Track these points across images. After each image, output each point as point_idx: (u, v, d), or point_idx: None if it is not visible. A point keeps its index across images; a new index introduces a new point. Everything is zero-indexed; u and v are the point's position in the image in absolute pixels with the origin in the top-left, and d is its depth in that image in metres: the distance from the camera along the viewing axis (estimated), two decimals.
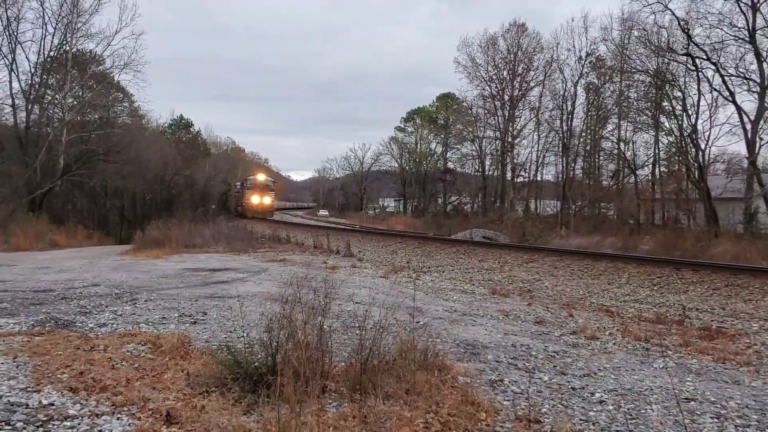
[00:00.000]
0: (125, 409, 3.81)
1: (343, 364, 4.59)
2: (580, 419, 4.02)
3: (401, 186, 75.60)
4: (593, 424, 3.94)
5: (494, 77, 50.08)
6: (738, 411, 4.32)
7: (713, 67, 32.41)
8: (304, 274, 9.34)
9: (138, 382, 4.34)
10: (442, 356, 5.03)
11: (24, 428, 3.40)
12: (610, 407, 4.31)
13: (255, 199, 57.20)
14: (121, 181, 40.91)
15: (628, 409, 4.27)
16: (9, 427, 3.39)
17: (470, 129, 56.15)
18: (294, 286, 5.54)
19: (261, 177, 61.74)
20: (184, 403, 3.96)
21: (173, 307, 7.60)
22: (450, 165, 62.83)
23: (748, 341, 7.16)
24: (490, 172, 54.20)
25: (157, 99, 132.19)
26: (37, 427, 3.43)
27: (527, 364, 5.46)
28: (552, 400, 4.42)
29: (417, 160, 69.50)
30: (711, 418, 4.14)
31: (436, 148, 67.61)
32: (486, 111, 51.84)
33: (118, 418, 3.65)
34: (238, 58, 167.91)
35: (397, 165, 76.03)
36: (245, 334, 5.69)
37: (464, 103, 56.26)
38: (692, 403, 4.48)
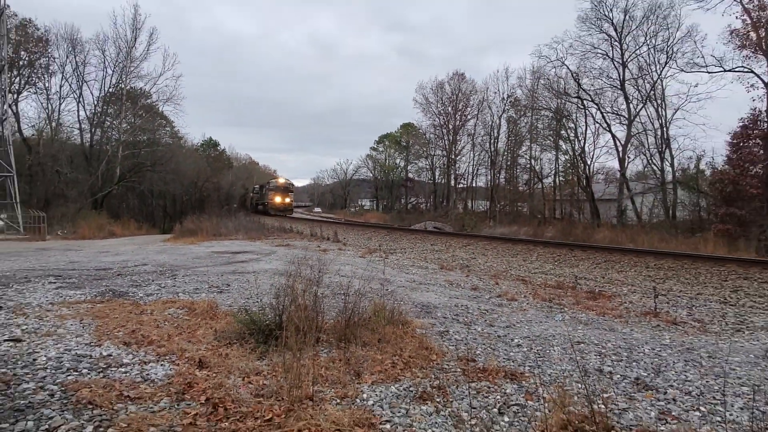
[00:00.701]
0: (167, 357, 3.74)
1: (332, 321, 4.56)
2: (504, 358, 4.07)
3: (375, 190, 75.83)
4: (512, 361, 4.00)
5: (442, 112, 50.54)
6: (613, 349, 4.41)
7: (596, 106, 33.78)
8: (303, 255, 9.27)
9: (177, 337, 4.26)
10: (404, 314, 5.04)
11: (88, 373, 3.30)
12: (525, 349, 4.37)
13: (278, 199, 47.04)
14: (164, 185, 40.12)
15: (537, 350, 4.33)
16: (76, 373, 3.29)
17: (424, 149, 56.79)
18: (295, 264, 5.50)
19: (281, 180, 50.66)
20: (212, 352, 3.89)
21: (204, 280, 7.46)
22: (410, 175, 62.93)
23: (620, 300, 7.32)
24: (439, 180, 54.52)
25: (192, 124, 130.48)
26: (99, 372, 3.34)
27: (466, 319, 5.50)
28: (483, 345, 4.46)
29: (386, 171, 69.48)
30: (595, 354, 4.23)
31: (399, 162, 67.75)
32: (436, 136, 52.45)
33: (161, 364, 3.57)
34: (254, 95, 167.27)
35: (371, 175, 76.12)
36: (259, 300, 5.61)
37: (420, 130, 56.78)
38: (582, 344, 4.55)
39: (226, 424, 2.68)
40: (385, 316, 4.63)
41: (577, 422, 2.72)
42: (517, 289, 7.94)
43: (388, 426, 2.74)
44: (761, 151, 24.37)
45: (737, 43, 27.78)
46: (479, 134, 47.56)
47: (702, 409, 3.11)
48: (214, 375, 3.36)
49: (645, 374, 3.74)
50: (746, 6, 27.17)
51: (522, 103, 42.14)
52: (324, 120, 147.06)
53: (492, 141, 44.87)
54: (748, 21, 27.16)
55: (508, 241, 16.38)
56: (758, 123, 25.46)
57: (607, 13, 32.78)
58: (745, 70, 27.44)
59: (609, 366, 3.92)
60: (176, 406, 2.86)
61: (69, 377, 3.19)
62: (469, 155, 49.14)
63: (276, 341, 3.93)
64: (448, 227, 30.15)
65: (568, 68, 34.92)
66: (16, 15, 31.48)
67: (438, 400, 3.12)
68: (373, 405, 3.01)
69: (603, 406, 3.06)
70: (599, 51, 33.39)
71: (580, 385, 3.31)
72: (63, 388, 2.99)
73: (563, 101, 36.08)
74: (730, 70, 28.23)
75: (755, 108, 25.94)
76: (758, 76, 26.71)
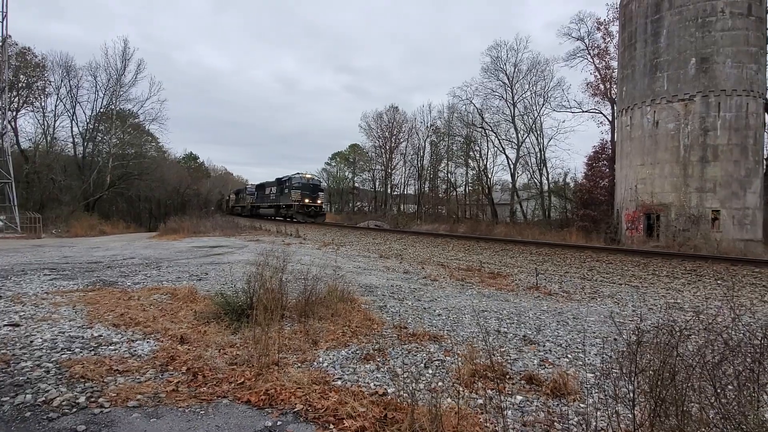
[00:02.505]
0: (152, 336, 3.47)
1: (294, 300, 4.43)
2: (428, 325, 4.13)
3: (328, 196, 74.99)
4: (435, 327, 4.06)
5: (380, 136, 50.71)
6: (508, 315, 4.57)
7: (494, 134, 35.47)
8: (270, 249, 8.95)
9: (161, 319, 3.97)
10: (352, 293, 4.99)
11: (80, 352, 3.00)
12: (444, 317, 4.45)
13: (307, 200, 27.43)
14: (150, 191, 37.24)
15: (453, 318, 4.42)
16: (69, 352, 2.99)
17: (367, 164, 56.93)
18: (264, 255, 5.30)
19: (308, 174, 29.95)
20: (192, 330, 3.66)
21: (185, 270, 7.01)
22: (356, 184, 62.49)
23: (513, 279, 7.62)
24: (378, 189, 54.65)
25: (175, 141, 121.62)
26: (90, 351, 3.05)
27: (399, 296, 5.53)
28: (413, 315, 4.50)
29: (337, 181, 68.66)
30: (495, 319, 4.37)
31: (348, 174, 67.08)
32: (376, 154, 52.61)
33: (147, 342, 3.32)
34: (230, 119, 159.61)
35: (326, 184, 75.38)
36: (233, 285, 5.36)
37: (364, 149, 56.75)
38: (485, 312, 4.69)
39: (205, 388, 2.53)
40: (337, 295, 4.56)
41: (481, 371, 2.82)
42: (438, 272, 8.10)
43: (339, 382, 2.71)
44: (607, 170, 26.68)
45: (591, 91, 30.36)
46: (409, 153, 48.52)
47: (569, 356, 3.32)
48: (194, 349, 3.17)
49: (530, 333, 3.94)
50: (597, 66, 29.66)
51: (441, 130, 43.34)
52: (288, 140, 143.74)
53: (419, 159, 46.00)
54: (599, 76, 29.64)
55: (432, 236, 16.73)
56: (605, 149, 28.04)
57: (502, 66, 34.58)
58: (596, 111, 30.17)
59: (505, 328, 4.08)
60: (160, 376, 2.67)
61: (63, 356, 2.89)
62: (402, 169, 49.83)
63: (247, 319, 3.76)
64: (385, 225, 30.28)
65: (474, 105, 36.46)
66: (16, 44, 28.27)
67: (379, 359, 3.12)
68: (327, 366, 2.96)
69: (500, 358, 3.20)
70: (497, 93, 35.14)
71: (483, 343, 3.43)
72: (58, 365, 2.71)
73: (471, 130, 37.57)
74: (586, 111, 30.90)
75: (603, 138, 29.18)
76: (605, 116, 29.70)
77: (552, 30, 69.30)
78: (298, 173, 29.80)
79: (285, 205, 29.15)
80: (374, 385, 2.68)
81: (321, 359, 3.09)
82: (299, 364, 2.97)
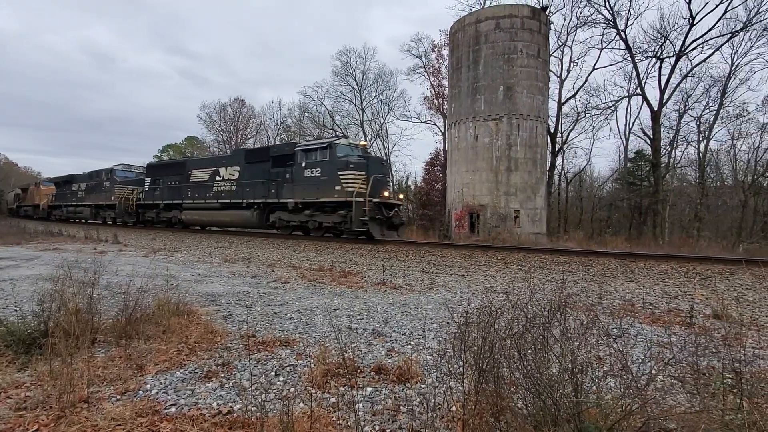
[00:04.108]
0: None
1: (111, 320, 3.68)
2: (279, 329, 3.97)
3: None
4: (286, 331, 3.93)
5: (224, 129, 46.97)
6: (358, 311, 4.73)
7: (345, 137, 36.77)
8: (75, 259, 7.28)
9: None
10: (189, 305, 4.43)
11: None
12: (296, 320, 4.34)
13: (385, 193, 12.81)
14: None
15: (305, 320, 4.36)
16: None
17: None
18: (65, 267, 4.27)
19: (362, 141, 16.91)
20: None
21: None
22: None
23: (362, 276, 7.91)
24: None
25: None
26: None
27: (247, 303, 5.18)
28: (262, 322, 4.27)
29: None
30: (346, 317, 4.47)
31: None
32: (220, 150, 48.43)
33: None
34: (14, 92, 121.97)
35: None
36: (18, 309, 4.16)
37: (205, 144, 51.38)
38: (337, 311, 4.76)
39: None
40: (170, 309, 3.97)
41: (334, 369, 2.85)
42: (289, 274, 7.90)
43: (173, 409, 2.35)
44: (441, 174, 30.69)
45: (428, 105, 34.42)
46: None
47: (412, 343, 3.65)
48: None
49: (378, 326, 4.17)
50: (432, 83, 33.77)
51: (292, 129, 42.66)
52: (102, 127, 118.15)
53: None
54: (434, 92, 33.79)
55: (282, 237, 16.24)
56: (439, 156, 32.22)
57: (351, 72, 36.16)
58: (432, 123, 34.37)
59: (356, 323, 4.22)
60: None
61: None
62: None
63: (41, 349, 2.97)
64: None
65: (325, 107, 37.16)
66: None
67: (222, 375, 2.85)
68: (157, 393, 2.55)
69: (352, 354, 3.30)
70: (347, 97, 36.63)
71: (336, 341, 3.49)
72: None
73: (322, 131, 38.10)
74: (424, 122, 34.96)
75: (437, 147, 33.71)
76: (439, 127, 34.07)
77: (395, 45, 75.88)
78: (342, 138, 14.23)
79: (310, 202, 13.42)
80: (217, 404, 2.43)
81: (149, 386, 2.64)
82: (118, 397, 2.48)
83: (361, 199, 12.16)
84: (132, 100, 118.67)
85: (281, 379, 2.82)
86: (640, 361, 3.05)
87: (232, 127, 46.42)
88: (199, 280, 6.83)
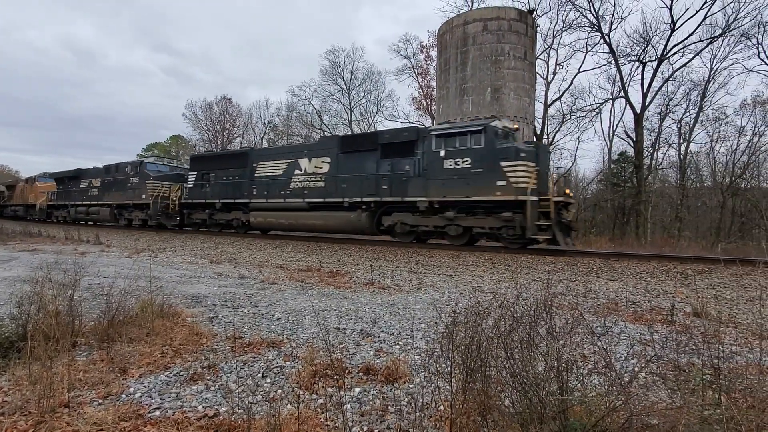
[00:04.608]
0: None
1: (92, 323, 3.60)
2: (266, 331, 3.94)
3: None
4: (273, 332, 3.90)
5: (210, 128, 46.36)
6: (346, 312, 4.68)
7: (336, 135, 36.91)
8: (55, 260, 7.10)
9: None
10: (174, 306, 4.37)
11: None
12: (283, 321, 4.32)
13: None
14: None
15: (293, 320, 4.34)
16: None
17: None
18: (44, 269, 4.16)
19: (513, 124, 11.67)
20: None
21: None
22: None
23: (350, 277, 7.89)
24: None
25: None
26: None
27: (233, 304, 5.12)
28: (249, 323, 4.23)
29: None
30: (334, 317, 4.45)
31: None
32: (205, 149, 47.82)
33: None
34: None
35: None
36: None
37: (190, 143, 50.59)
38: (325, 311, 4.75)
39: None
40: (154, 310, 3.90)
41: (322, 370, 2.84)
42: (276, 275, 7.84)
43: (157, 413, 2.32)
44: None
45: (416, 105, 34.53)
46: None
47: (400, 343, 3.66)
48: None
49: (366, 326, 4.17)
50: (420, 84, 33.91)
51: (279, 128, 42.38)
52: (84, 125, 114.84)
53: None
54: (422, 93, 33.95)
55: (269, 237, 16.11)
56: None
57: (340, 72, 36.11)
58: (420, 124, 34.45)
59: (344, 324, 4.21)
60: None
61: None
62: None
63: (19, 353, 2.88)
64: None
65: (314, 106, 37.03)
66: None
67: (208, 378, 2.81)
68: (141, 396, 2.51)
69: (340, 354, 3.29)
70: (335, 97, 36.58)
71: (324, 342, 3.47)
72: None
73: (311, 130, 37.96)
74: (412, 122, 34.89)
75: None
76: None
77: (383, 45, 75.99)
78: (494, 120, 11.29)
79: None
80: (203, 407, 2.40)
81: (132, 389, 2.59)
82: (100, 401, 2.42)
83: (536, 198, 9.65)
84: (116, 98, 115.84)
85: (268, 380, 2.79)
86: (624, 358, 3.11)
87: (218, 126, 45.88)
88: (184, 282, 6.73)
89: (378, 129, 36.02)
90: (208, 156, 18.71)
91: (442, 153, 10.82)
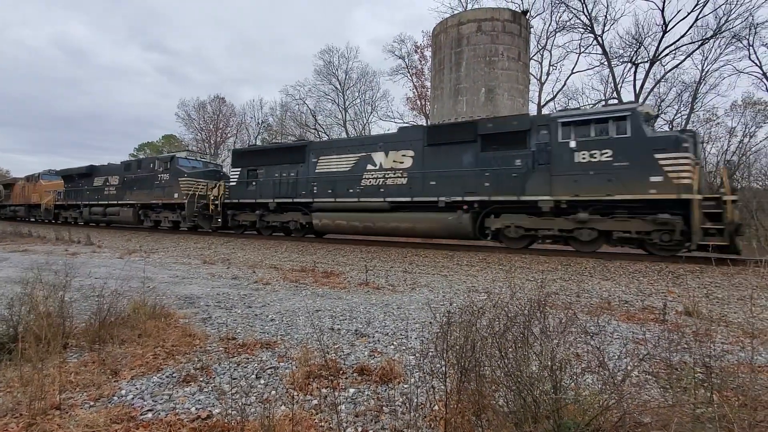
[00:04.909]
0: None
1: (84, 324, 3.56)
2: (260, 332, 3.93)
3: None
4: (267, 333, 3.88)
5: (204, 128, 46.09)
6: (341, 312, 4.68)
7: (327, 136, 36.73)
8: (45, 261, 7.02)
9: None
10: (167, 307, 4.33)
11: None
12: (277, 322, 4.30)
13: None
14: None
15: (287, 321, 4.32)
16: None
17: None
18: (35, 270, 4.10)
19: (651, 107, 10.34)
20: None
21: None
22: None
23: (345, 277, 7.88)
24: None
25: None
26: None
27: (227, 305, 5.09)
28: (243, 324, 4.21)
29: None
30: (329, 318, 4.45)
31: None
32: (198, 149, 47.53)
33: None
34: None
35: None
36: None
37: (183, 142, 50.23)
38: (319, 312, 4.74)
39: None
40: (146, 311, 3.87)
41: (316, 371, 2.83)
42: (270, 275, 7.80)
43: (149, 415, 2.30)
44: None
45: (410, 106, 34.57)
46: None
47: (395, 343, 3.66)
48: None
49: (361, 326, 4.16)
50: (415, 84, 33.95)
51: (273, 128, 42.21)
52: (76, 124, 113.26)
53: None
54: (416, 93, 33.98)
55: (262, 237, 16.01)
56: None
57: (334, 71, 36.04)
58: (415, 124, 34.52)
59: (338, 324, 4.20)
60: None
61: None
62: (228, 168, 46.53)
63: (10, 355, 2.84)
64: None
65: (308, 106, 36.92)
66: None
67: (201, 379, 2.79)
68: (132, 398, 2.48)
69: (334, 355, 3.28)
70: (329, 97, 36.48)
71: (318, 343, 3.46)
72: None
73: (305, 130, 37.82)
74: (407, 123, 34.91)
75: None
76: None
77: (378, 46, 75.84)
78: (636, 104, 9.64)
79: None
80: (196, 409, 2.38)
81: (124, 391, 2.56)
82: (92, 403, 2.40)
83: (701, 197, 8.10)
84: (108, 97, 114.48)
85: (262, 381, 2.78)
86: (617, 357, 3.13)
87: (211, 126, 45.62)
88: (176, 282, 6.67)
89: (371, 129, 36.04)
90: (256, 150, 16.14)
91: (573, 144, 9.10)
